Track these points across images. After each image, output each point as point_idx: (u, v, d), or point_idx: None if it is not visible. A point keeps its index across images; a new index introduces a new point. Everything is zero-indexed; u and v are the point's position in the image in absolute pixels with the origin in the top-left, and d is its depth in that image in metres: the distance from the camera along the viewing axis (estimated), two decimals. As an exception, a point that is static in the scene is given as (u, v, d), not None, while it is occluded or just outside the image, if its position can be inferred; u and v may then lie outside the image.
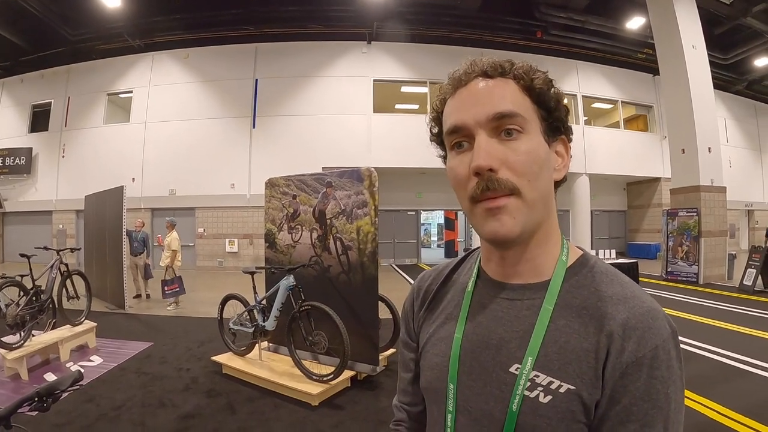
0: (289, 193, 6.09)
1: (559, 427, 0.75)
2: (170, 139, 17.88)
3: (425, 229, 28.29)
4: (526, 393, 0.77)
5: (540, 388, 0.76)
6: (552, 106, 0.83)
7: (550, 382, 0.76)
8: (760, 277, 11.38)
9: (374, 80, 18.57)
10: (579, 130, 20.34)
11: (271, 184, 6.29)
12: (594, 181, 19.75)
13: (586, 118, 20.61)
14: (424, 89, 19.32)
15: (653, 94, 21.21)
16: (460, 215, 24.55)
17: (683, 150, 13.68)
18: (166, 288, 9.66)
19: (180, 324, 8.23)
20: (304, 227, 5.92)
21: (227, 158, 17.60)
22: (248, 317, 5.61)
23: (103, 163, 17.86)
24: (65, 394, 1.91)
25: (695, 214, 13.17)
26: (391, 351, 5.90)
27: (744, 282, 11.57)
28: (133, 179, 17.16)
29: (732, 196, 15.45)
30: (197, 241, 17.62)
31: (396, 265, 19.18)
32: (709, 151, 13.39)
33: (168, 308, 9.71)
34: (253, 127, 17.89)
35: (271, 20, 17.03)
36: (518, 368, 0.79)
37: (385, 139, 18.11)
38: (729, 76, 21.44)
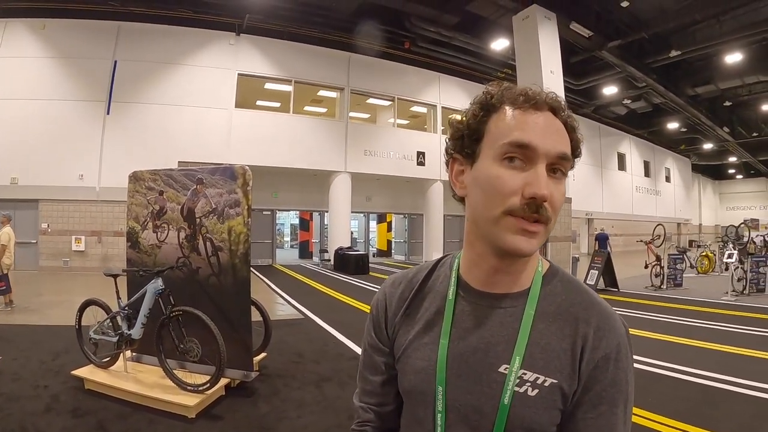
0: (155, 189, 5.67)
1: (543, 415, 0.88)
2: (15, 120, 15.44)
3: (278, 230, 28.01)
4: (516, 388, 0.89)
5: (528, 384, 0.88)
6: (575, 158, 0.94)
7: (537, 378, 0.89)
8: (602, 277, 12.88)
9: (239, 74, 18.10)
10: (436, 138, 21.32)
11: (135, 178, 5.82)
12: (447, 187, 20.59)
13: (443, 128, 21.51)
14: (289, 87, 19.20)
15: (509, 112, 22.65)
16: (315, 216, 24.56)
17: (535, 164, 14.95)
18: None
19: (28, 334, 7.27)
20: (170, 226, 5.55)
21: (77, 146, 15.83)
22: (111, 325, 5.12)
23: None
24: None
25: (544, 221, 14.27)
26: (262, 355, 5.76)
27: (588, 281, 12.77)
28: (-30, 165, 14.79)
29: (575, 206, 17.08)
30: (40, 238, 15.63)
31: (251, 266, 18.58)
32: (558, 166, 14.70)
33: None
34: (108, 113, 16.31)
35: (138, -2, 15.74)
36: (507, 368, 0.90)
37: (245, 135, 17.75)
38: (579, 100, 24.03)
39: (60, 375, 5.34)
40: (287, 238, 33.60)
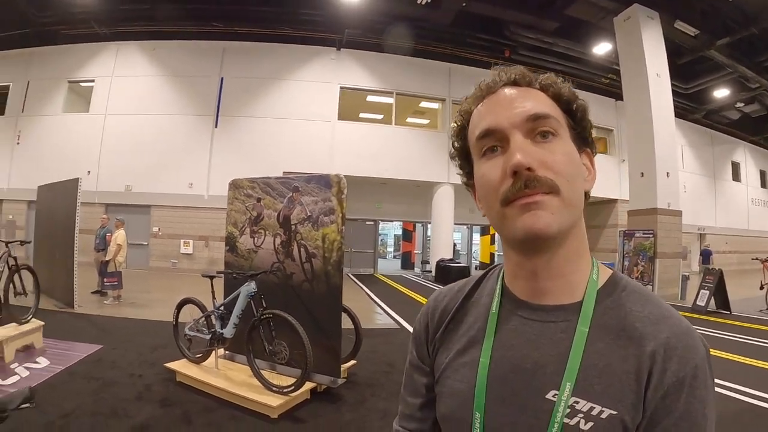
0: (253, 196, 5.91)
1: None
2: (129, 132, 17.15)
3: (381, 240, 28.27)
4: (566, 420, 0.73)
5: (580, 415, 0.73)
6: (579, 115, 0.85)
7: (591, 408, 0.73)
8: (712, 298, 11.75)
9: (341, 87, 18.50)
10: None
11: (235, 186, 6.11)
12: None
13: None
14: (390, 99, 19.35)
15: (614, 119, 21.70)
16: (419, 227, 24.57)
17: (642, 173, 14.14)
18: (105, 280, 9.85)
19: (131, 326, 7.86)
20: (267, 232, 5.75)
21: (187, 157, 17.13)
22: (205, 323, 5.38)
23: (58, 153, 16.94)
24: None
25: (651, 235, 13.56)
26: (352, 363, 5.79)
27: (697, 302, 11.89)
28: (89, 172, 16.38)
29: (686, 220, 15.98)
30: (151, 241, 16.98)
31: (352, 275, 18.88)
32: (668, 176, 13.87)
33: (105, 302, 9.68)
34: (216, 126, 17.48)
35: (241, 18, 16.71)
36: (556, 394, 0.75)
37: (348, 147, 18.03)
38: (688, 105, 22.38)
39: (155, 366, 5.68)
40: (390, 249, 33.93)
